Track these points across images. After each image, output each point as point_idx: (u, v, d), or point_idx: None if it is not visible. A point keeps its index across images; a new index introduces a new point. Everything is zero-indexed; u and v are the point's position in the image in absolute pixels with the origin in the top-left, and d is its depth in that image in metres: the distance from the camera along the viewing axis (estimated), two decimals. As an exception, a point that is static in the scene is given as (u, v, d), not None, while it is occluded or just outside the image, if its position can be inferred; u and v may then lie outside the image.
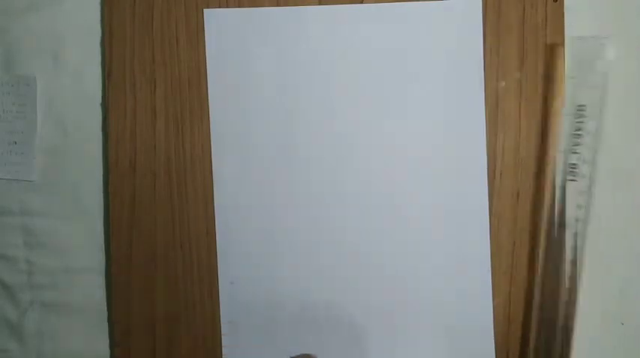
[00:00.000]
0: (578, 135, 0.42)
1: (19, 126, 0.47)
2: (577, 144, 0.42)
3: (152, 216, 0.46)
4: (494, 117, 0.46)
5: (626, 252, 0.48)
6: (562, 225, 0.44)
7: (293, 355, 0.46)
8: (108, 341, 0.47)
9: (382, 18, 0.46)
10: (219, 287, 0.46)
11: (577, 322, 0.47)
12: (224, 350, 0.46)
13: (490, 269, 0.46)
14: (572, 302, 0.43)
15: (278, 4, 0.46)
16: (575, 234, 0.44)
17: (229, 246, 0.46)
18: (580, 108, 0.43)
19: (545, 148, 0.46)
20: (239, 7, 0.46)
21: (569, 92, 0.44)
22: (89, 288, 0.48)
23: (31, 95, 0.47)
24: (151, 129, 0.46)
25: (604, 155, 0.48)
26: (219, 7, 0.45)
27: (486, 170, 0.46)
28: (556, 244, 0.44)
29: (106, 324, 0.48)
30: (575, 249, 0.44)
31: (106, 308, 0.48)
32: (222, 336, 0.46)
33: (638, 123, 0.48)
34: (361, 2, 0.46)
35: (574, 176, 0.43)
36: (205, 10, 0.46)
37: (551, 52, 0.46)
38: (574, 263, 0.44)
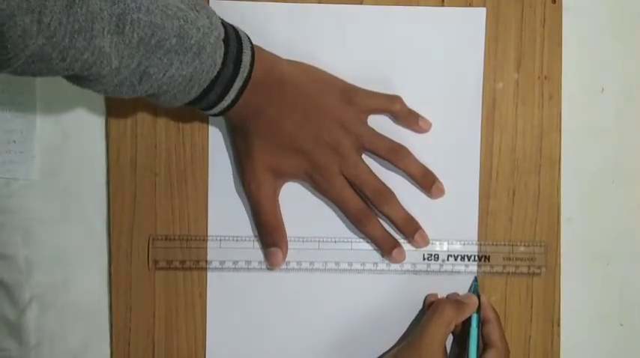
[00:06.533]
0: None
1: (18, 125, 0.53)
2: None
3: (152, 216, 0.52)
4: (491, 118, 0.52)
5: (626, 252, 0.54)
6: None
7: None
8: (107, 340, 0.53)
9: (381, 19, 0.52)
10: (208, 276, 0.53)
11: (576, 323, 0.54)
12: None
13: (477, 268, 0.53)
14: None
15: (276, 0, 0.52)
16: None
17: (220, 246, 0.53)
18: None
19: (541, 148, 0.53)
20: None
21: None
22: (88, 288, 0.53)
23: (30, 94, 0.53)
24: (152, 128, 0.52)
25: (604, 154, 0.54)
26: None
27: (479, 170, 0.52)
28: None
29: (105, 324, 0.53)
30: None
31: (105, 307, 0.53)
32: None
33: (638, 123, 0.54)
34: (360, 3, 0.53)
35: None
36: (211, 0, 0.52)
37: (550, 53, 0.53)
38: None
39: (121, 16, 0.38)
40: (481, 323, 0.50)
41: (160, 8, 0.40)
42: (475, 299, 0.50)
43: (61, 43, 0.36)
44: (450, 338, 0.52)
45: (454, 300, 0.50)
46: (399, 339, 0.53)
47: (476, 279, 0.52)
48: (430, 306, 0.51)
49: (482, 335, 0.49)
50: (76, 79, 0.41)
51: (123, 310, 0.53)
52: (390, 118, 0.52)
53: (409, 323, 0.53)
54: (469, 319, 0.50)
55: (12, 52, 0.34)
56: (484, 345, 0.49)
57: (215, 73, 0.44)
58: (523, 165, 0.52)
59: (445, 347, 0.48)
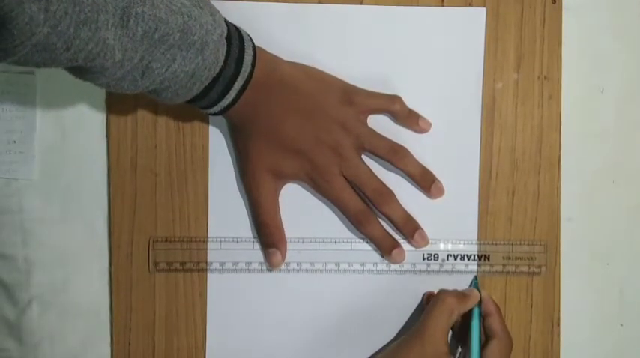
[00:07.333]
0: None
1: (18, 125, 0.54)
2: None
3: (153, 216, 0.53)
4: (490, 118, 0.53)
5: (626, 252, 0.55)
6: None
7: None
8: (107, 340, 0.53)
9: (381, 19, 0.53)
10: (208, 277, 0.53)
11: (576, 323, 0.54)
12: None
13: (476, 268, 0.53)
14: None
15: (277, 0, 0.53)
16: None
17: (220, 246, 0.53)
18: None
19: (541, 149, 0.53)
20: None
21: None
22: (88, 288, 0.54)
23: (30, 94, 0.54)
24: (152, 128, 0.53)
25: (604, 154, 0.54)
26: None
27: (478, 170, 0.53)
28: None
29: (105, 324, 0.53)
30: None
31: (105, 307, 0.53)
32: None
33: (638, 122, 0.54)
34: (360, 3, 0.54)
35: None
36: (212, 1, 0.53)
37: (550, 53, 0.53)
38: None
39: (125, 9, 0.39)
40: (482, 316, 0.50)
41: (164, 3, 0.41)
42: (476, 292, 0.51)
43: (66, 33, 0.36)
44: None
45: (456, 291, 0.51)
46: (398, 333, 0.53)
47: (476, 278, 0.53)
48: (430, 300, 0.51)
49: (484, 328, 0.50)
50: (79, 72, 0.41)
51: (123, 310, 0.53)
52: (390, 118, 0.53)
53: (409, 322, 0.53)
54: (470, 314, 0.50)
55: (18, 40, 0.35)
56: (486, 337, 0.49)
57: (217, 70, 0.45)
58: (523, 165, 0.53)
59: (448, 337, 0.49)
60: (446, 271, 0.53)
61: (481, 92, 0.53)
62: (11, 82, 0.54)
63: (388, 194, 0.51)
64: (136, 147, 0.53)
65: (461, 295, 0.50)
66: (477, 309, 0.50)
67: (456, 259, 0.53)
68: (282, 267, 0.53)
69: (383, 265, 0.53)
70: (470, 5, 0.53)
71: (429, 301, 0.51)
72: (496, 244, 0.53)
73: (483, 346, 0.49)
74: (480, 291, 0.51)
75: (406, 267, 0.53)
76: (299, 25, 0.53)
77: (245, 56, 0.46)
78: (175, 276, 0.53)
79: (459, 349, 0.52)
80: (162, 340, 0.53)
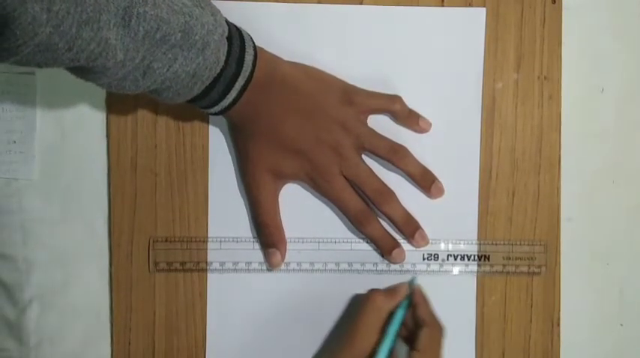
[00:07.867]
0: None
1: (18, 125, 0.54)
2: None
3: (153, 216, 0.53)
4: (490, 118, 0.53)
5: (626, 252, 0.55)
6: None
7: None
8: (107, 340, 0.53)
9: (381, 19, 0.53)
10: (208, 277, 0.53)
11: (576, 323, 0.54)
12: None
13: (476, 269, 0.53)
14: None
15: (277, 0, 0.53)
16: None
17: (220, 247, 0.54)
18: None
19: (541, 149, 0.53)
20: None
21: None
22: (88, 288, 0.54)
23: (30, 94, 0.54)
24: (152, 128, 0.53)
25: (604, 154, 0.55)
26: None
27: (478, 170, 0.53)
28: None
29: (105, 324, 0.54)
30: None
31: (105, 307, 0.53)
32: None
33: (638, 122, 0.55)
34: (360, 3, 0.54)
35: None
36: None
37: (550, 53, 0.53)
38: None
39: (127, 8, 0.39)
40: (412, 307, 0.50)
41: (165, 3, 0.41)
42: (405, 286, 0.51)
43: (68, 33, 0.37)
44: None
45: (384, 289, 0.51)
46: (330, 333, 0.54)
47: (414, 278, 0.52)
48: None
49: (414, 320, 0.49)
50: (81, 71, 0.42)
51: (123, 310, 0.53)
52: (390, 118, 0.53)
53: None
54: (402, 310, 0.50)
55: (21, 39, 0.35)
56: (417, 327, 0.49)
57: (218, 70, 0.45)
58: (523, 165, 0.53)
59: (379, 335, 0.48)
60: (446, 271, 0.53)
61: (481, 92, 0.53)
62: (11, 82, 0.54)
63: (388, 193, 0.51)
64: (136, 147, 0.53)
65: (388, 291, 0.50)
66: (405, 301, 0.50)
67: (456, 259, 0.53)
68: (282, 266, 0.53)
69: (383, 265, 0.53)
70: (470, 5, 0.53)
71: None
72: (496, 244, 0.53)
73: (414, 335, 0.48)
74: (415, 286, 0.51)
75: (406, 267, 0.53)
76: (299, 25, 0.53)
77: (246, 56, 0.46)
78: (175, 276, 0.53)
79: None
80: (162, 340, 0.54)
